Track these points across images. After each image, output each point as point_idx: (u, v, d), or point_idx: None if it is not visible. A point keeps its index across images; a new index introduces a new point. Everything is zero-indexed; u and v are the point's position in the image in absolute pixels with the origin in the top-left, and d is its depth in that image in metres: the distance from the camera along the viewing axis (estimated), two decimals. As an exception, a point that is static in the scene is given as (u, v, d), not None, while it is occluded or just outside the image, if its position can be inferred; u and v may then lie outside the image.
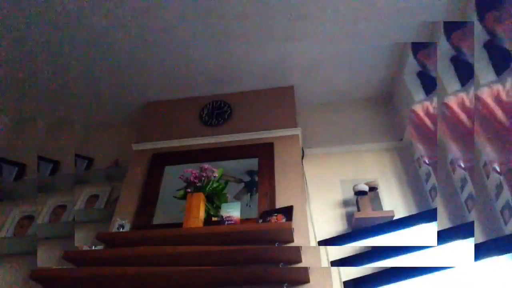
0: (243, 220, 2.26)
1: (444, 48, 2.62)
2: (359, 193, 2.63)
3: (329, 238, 2.59)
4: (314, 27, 2.66)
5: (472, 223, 2.04)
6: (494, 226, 2.21)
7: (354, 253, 2.42)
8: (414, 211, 2.67)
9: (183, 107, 3.25)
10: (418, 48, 2.70)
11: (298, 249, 2.03)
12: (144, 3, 2.47)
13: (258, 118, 3.02)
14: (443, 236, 1.75)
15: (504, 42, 1.91)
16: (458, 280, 1.59)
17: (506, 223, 2.13)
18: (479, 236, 2.19)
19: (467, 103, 1.97)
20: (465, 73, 2.58)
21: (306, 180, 2.80)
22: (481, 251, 1.54)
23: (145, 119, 3.28)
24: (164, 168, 2.81)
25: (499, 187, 2.19)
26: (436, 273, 1.62)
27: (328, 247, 2.53)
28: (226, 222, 2.19)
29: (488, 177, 2.30)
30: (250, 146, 2.79)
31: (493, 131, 1.81)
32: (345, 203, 2.76)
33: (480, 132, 1.98)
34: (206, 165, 2.41)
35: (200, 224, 2.21)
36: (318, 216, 2.69)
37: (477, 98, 1.98)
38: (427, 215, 2.07)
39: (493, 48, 2.40)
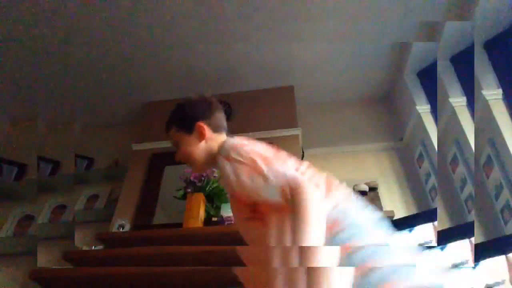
0: (243, 220, 2.25)
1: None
2: (359, 193, 2.63)
3: (329, 238, 2.59)
4: (314, 27, 2.66)
5: (472, 223, 2.04)
6: (494, 226, 2.21)
7: (354, 253, 2.42)
8: (414, 211, 2.67)
9: (183, 107, 3.24)
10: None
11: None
12: (144, 3, 2.47)
13: (258, 118, 3.01)
14: (443, 236, 1.75)
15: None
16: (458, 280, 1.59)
17: (506, 223, 2.13)
18: (479, 236, 2.19)
19: None
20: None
21: (306, 180, 2.80)
22: (481, 251, 1.54)
23: (145, 119, 3.27)
24: (164, 168, 2.81)
25: (499, 187, 2.19)
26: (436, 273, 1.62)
27: (328, 247, 2.53)
28: (226, 222, 2.19)
29: (488, 177, 2.31)
30: (250, 146, 2.78)
31: None
32: (345, 203, 2.75)
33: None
34: (206, 165, 2.40)
35: (200, 224, 2.21)
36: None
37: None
38: (427, 215, 2.07)
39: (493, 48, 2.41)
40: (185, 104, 1.25)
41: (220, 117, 1.21)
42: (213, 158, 1.12)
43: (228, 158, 1.01)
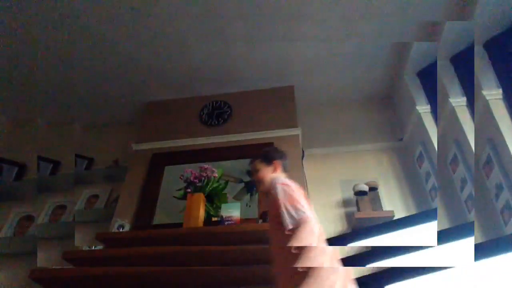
0: (243, 220, 2.25)
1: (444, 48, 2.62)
2: (359, 193, 2.63)
3: (329, 238, 2.59)
4: (314, 27, 2.66)
5: (472, 223, 2.04)
6: (494, 226, 2.21)
7: (354, 253, 2.42)
8: (414, 211, 2.67)
9: (183, 107, 3.25)
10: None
11: (298, 249, 2.02)
12: (144, 4, 2.47)
13: (258, 118, 3.01)
14: (443, 236, 1.75)
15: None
16: (458, 280, 1.59)
17: (506, 223, 2.13)
18: (479, 236, 2.19)
19: None
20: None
21: (306, 180, 2.80)
22: (481, 251, 1.54)
23: (145, 119, 3.28)
24: (164, 168, 2.81)
25: (499, 187, 2.19)
26: (436, 273, 1.62)
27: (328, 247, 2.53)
28: (226, 222, 2.19)
29: (488, 177, 2.30)
30: (250, 146, 2.79)
31: None
32: (345, 203, 2.76)
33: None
34: (206, 165, 2.40)
35: (200, 224, 2.21)
36: (318, 216, 2.68)
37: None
38: (427, 215, 2.07)
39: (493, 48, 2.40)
40: (271, 149, 1.92)
41: (288, 163, 1.83)
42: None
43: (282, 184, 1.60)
